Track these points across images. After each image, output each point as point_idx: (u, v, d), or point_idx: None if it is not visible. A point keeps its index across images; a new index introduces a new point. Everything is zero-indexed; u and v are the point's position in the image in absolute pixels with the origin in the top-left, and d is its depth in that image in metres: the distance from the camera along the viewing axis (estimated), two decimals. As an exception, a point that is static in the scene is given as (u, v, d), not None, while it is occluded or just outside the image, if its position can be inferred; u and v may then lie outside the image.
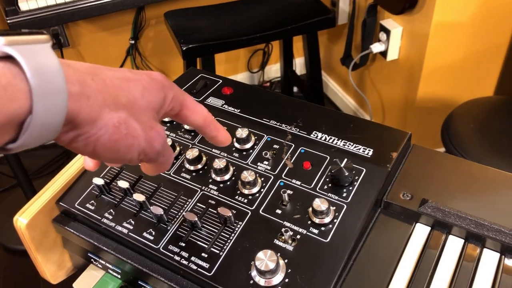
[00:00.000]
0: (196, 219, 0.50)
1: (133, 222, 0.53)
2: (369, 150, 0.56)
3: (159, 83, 0.39)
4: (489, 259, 0.49)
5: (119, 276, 0.56)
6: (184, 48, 1.36)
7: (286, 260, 0.47)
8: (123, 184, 0.54)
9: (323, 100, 1.80)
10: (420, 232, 0.51)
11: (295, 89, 2.07)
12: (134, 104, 0.36)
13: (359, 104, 1.98)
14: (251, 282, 0.46)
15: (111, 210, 0.54)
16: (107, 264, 0.56)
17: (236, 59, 2.16)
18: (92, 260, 0.57)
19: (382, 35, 1.61)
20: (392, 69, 1.69)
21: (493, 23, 1.45)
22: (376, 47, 1.64)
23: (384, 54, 1.65)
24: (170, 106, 0.40)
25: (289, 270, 0.47)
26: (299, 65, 2.19)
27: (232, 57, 2.14)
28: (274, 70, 2.24)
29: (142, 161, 0.38)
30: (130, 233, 0.52)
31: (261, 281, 0.46)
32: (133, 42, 1.93)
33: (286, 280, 0.46)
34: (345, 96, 2.06)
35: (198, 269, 0.48)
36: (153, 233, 0.51)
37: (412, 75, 1.59)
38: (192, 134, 0.61)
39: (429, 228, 0.52)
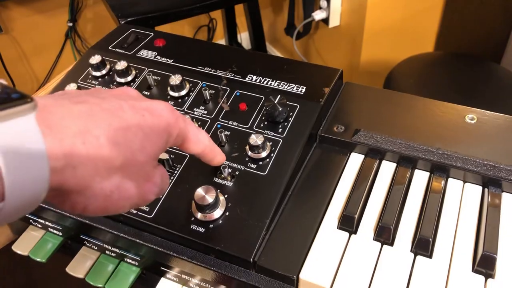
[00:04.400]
0: (133, 164, 0.49)
1: (69, 175, 0.51)
2: (302, 88, 0.57)
3: (163, 123, 0.34)
4: (420, 178, 0.51)
5: (60, 234, 0.54)
6: (122, 23, 1.33)
7: (226, 196, 0.48)
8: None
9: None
10: (355, 160, 0.53)
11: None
12: (131, 161, 0.31)
13: (306, 73, 2.00)
14: (192, 219, 0.46)
15: (45, 166, 0.52)
16: (47, 223, 0.54)
17: (181, 37, 2.13)
18: (31, 221, 0.55)
19: (323, 2, 1.63)
20: (335, 35, 1.71)
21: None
22: (318, 15, 1.65)
23: (326, 21, 1.67)
24: (172, 144, 0.37)
25: (229, 204, 0.47)
26: (244, 39, 2.18)
27: (176, 35, 2.10)
28: (220, 47, 2.23)
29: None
30: (66, 186, 0.51)
31: (202, 216, 0.46)
32: (71, 24, 1.87)
33: (227, 213, 0.46)
34: (292, 67, 2.08)
35: (139, 213, 0.48)
36: (91, 184, 0.50)
37: (354, 40, 1.62)
38: (125, 86, 0.59)
39: (363, 156, 0.54)
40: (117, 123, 0.31)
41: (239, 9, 1.80)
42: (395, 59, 1.65)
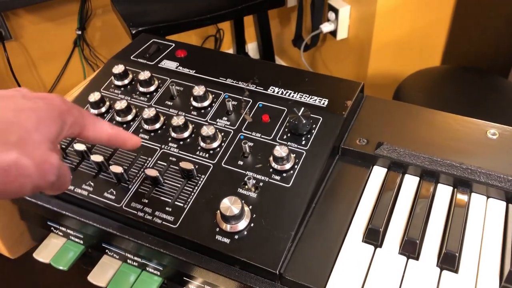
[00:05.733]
0: (158, 174, 0.49)
1: (92, 184, 0.52)
2: (325, 100, 0.57)
3: (57, 110, 0.37)
4: (444, 193, 0.51)
5: (81, 242, 0.54)
6: (133, 32, 1.34)
7: (250, 207, 0.48)
8: (79, 147, 0.52)
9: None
10: (378, 173, 0.53)
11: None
12: (27, 140, 0.33)
13: (313, 85, 2.01)
14: (217, 229, 0.46)
15: (69, 174, 0.52)
16: (68, 231, 0.54)
17: (188, 47, 2.14)
18: (52, 228, 0.55)
19: (331, 15, 1.64)
20: (343, 48, 1.72)
21: (437, -3, 1.51)
22: (326, 27, 1.66)
23: (334, 33, 1.68)
24: (69, 132, 0.39)
25: (254, 215, 0.47)
26: (252, 50, 2.20)
27: (184, 45, 2.11)
28: (227, 57, 2.24)
29: (35, 192, 0.36)
30: (90, 195, 0.51)
31: (227, 227, 0.46)
32: (80, 32, 1.88)
33: (252, 224, 0.46)
34: (298, 78, 2.09)
35: (163, 222, 0.48)
36: (114, 193, 0.50)
37: (362, 52, 1.63)
38: (148, 96, 0.60)
39: (385, 170, 0.54)
40: (10, 106, 0.34)
41: (247, 20, 1.82)
42: (403, 72, 1.66)
